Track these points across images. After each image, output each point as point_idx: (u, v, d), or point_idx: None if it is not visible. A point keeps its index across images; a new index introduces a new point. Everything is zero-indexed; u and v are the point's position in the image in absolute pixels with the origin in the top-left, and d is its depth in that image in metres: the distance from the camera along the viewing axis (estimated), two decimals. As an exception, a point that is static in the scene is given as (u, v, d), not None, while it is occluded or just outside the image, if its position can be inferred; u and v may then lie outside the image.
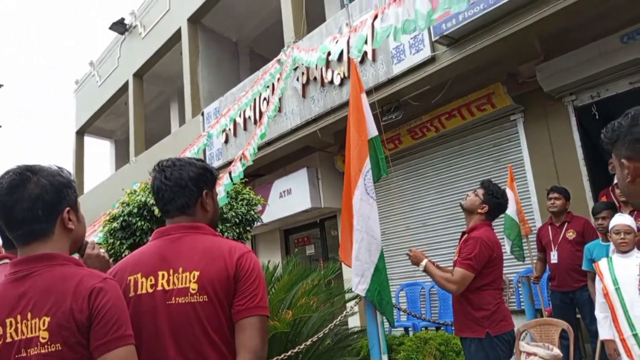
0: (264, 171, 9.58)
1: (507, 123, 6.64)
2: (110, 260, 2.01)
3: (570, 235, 4.95)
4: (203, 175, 1.79)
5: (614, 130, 1.30)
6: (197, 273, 1.61)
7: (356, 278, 3.87)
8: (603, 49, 5.44)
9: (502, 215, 4.07)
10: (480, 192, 3.34)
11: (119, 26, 13.16)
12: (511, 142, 6.62)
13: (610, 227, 3.46)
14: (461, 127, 7.00)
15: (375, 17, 3.80)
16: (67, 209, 1.46)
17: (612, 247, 3.75)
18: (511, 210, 5.17)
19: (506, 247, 5.25)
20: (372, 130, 4.11)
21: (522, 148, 6.48)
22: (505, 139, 6.69)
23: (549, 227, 5.12)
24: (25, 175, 1.41)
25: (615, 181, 2.61)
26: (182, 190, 1.74)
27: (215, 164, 9.69)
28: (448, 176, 7.32)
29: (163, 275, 1.63)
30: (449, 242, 7.13)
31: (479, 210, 3.31)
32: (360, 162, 3.95)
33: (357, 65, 5.67)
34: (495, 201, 3.32)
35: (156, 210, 5.05)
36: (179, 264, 1.64)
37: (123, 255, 5.00)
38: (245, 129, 8.96)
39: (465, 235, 3.33)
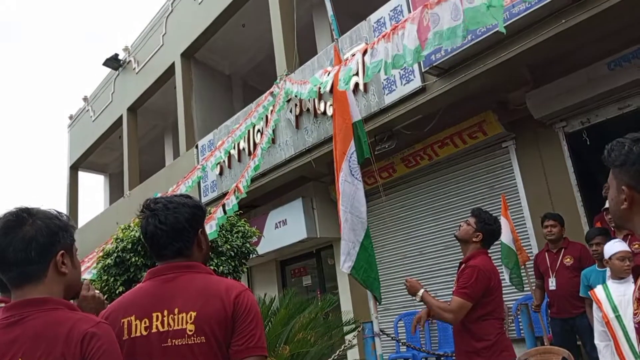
0: (259, 202, 9.56)
1: (499, 150, 6.70)
2: (105, 299, 1.98)
3: (568, 261, 4.93)
4: (197, 215, 1.77)
5: (621, 153, 1.26)
6: (194, 314, 1.59)
7: (342, 256, 3.96)
8: (591, 75, 5.54)
9: (498, 244, 4.07)
10: (472, 220, 3.34)
11: (113, 62, 13.29)
12: (504, 169, 6.66)
13: (611, 254, 3.44)
14: (454, 155, 7.04)
15: (365, 51, 3.85)
16: (61, 252, 1.45)
17: (608, 273, 3.74)
18: (507, 238, 5.16)
19: (505, 276, 5.23)
20: (356, 115, 4.27)
21: (516, 174, 6.52)
22: (498, 166, 6.73)
23: (546, 254, 5.11)
24: (21, 216, 1.41)
25: (607, 205, 2.60)
26: (179, 234, 1.69)
27: (210, 196, 9.68)
28: (443, 204, 7.33)
29: (157, 316, 1.61)
30: (445, 270, 7.09)
31: (474, 239, 3.30)
32: (345, 145, 4.11)
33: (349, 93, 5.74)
34: (488, 228, 3.31)
35: (150, 246, 5.01)
36: (175, 304, 1.61)
37: (117, 291, 4.94)
38: (239, 160, 8.98)
39: (463, 265, 3.32)
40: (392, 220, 7.74)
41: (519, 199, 6.45)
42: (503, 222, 5.07)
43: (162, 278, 1.69)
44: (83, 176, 16.84)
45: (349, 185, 4.03)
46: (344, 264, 3.99)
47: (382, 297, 4.02)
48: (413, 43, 3.28)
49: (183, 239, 1.70)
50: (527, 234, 6.34)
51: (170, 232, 1.68)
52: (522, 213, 6.41)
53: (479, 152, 6.89)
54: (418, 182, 7.66)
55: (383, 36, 3.54)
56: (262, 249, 8.68)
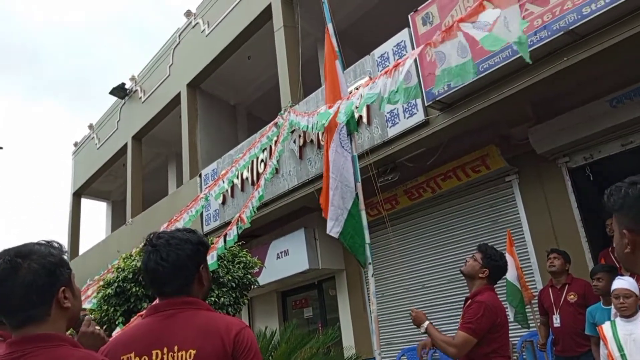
0: (261, 232, 9.53)
1: (502, 184, 6.70)
2: (105, 329, 1.96)
3: (572, 298, 4.87)
4: (199, 251, 1.77)
5: (619, 197, 1.27)
6: (193, 352, 1.57)
7: (331, 222, 4.30)
8: (593, 112, 5.58)
9: (503, 282, 4.03)
10: (479, 256, 3.32)
11: (120, 91, 13.47)
12: (507, 203, 6.65)
13: (611, 291, 3.42)
14: (457, 188, 7.05)
15: (367, 85, 3.93)
16: (62, 288, 1.44)
17: (613, 310, 3.69)
18: (512, 276, 5.11)
19: (510, 314, 5.16)
20: (345, 92, 4.65)
21: (519, 209, 6.50)
22: (501, 200, 6.72)
23: (550, 290, 5.06)
24: (15, 262, 1.38)
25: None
26: (181, 271, 1.70)
27: (212, 225, 9.66)
28: (446, 237, 7.29)
29: (157, 354, 1.59)
30: (449, 304, 7.00)
31: (480, 275, 3.28)
32: (334, 123, 4.50)
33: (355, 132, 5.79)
34: (494, 264, 3.30)
35: (151, 276, 4.98)
36: (175, 342, 1.60)
37: (117, 322, 4.88)
38: (242, 190, 9.00)
39: (469, 300, 3.29)
40: (395, 253, 7.69)
41: (523, 234, 6.42)
42: (508, 258, 5.03)
43: (162, 314, 1.68)
44: (85, 203, 16.88)
45: (339, 155, 4.36)
46: (332, 229, 4.30)
47: (385, 330, 4.00)
48: (407, 80, 3.33)
49: (184, 276, 1.70)
50: (531, 270, 6.29)
51: (171, 269, 1.68)
52: (526, 248, 6.37)
53: (482, 186, 6.89)
54: (421, 214, 7.65)
55: (385, 72, 3.60)
56: (263, 279, 8.61)
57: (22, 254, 1.40)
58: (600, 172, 5.93)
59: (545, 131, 5.96)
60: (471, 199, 7.04)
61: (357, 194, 4.40)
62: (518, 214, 6.52)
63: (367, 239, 4.17)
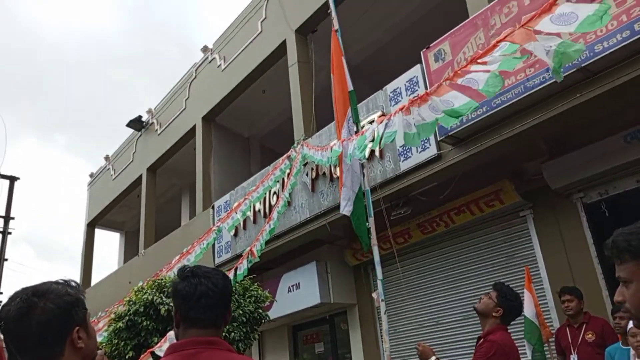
0: (272, 264, 9.49)
1: (516, 219, 6.63)
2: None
3: (590, 337, 4.75)
4: (231, 288, 1.82)
5: None
6: None
7: (344, 202, 5.00)
8: (607, 148, 5.55)
9: (521, 319, 3.96)
10: (494, 294, 3.28)
11: (136, 123, 13.72)
12: (522, 238, 6.57)
13: (627, 330, 3.34)
14: (471, 223, 6.99)
15: (381, 121, 3.98)
16: (77, 328, 1.45)
17: (632, 351, 3.59)
18: (530, 313, 5.01)
19: (527, 352, 5.04)
20: (350, 86, 5.52)
21: (534, 245, 6.41)
22: (516, 235, 6.64)
23: (567, 329, 4.94)
24: (31, 301, 1.39)
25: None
26: (223, 300, 1.72)
27: (224, 257, 9.64)
28: (460, 272, 7.19)
29: None
30: (462, 342, 6.85)
31: (494, 314, 3.24)
32: (345, 108, 5.33)
33: (365, 162, 5.83)
34: (509, 304, 3.25)
35: (162, 310, 4.96)
36: None
37: (127, 356, 4.85)
38: (254, 222, 9.01)
39: (482, 339, 3.23)
40: (407, 288, 7.59)
41: (538, 270, 6.31)
42: (526, 295, 4.95)
43: (183, 353, 1.67)
44: (99, 233, 16.99)
45: (348, 142, 4.97)
46: (345, 208, 4.98)
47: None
48: (430, 116, 3.38)
49: (224, 307, 1.73)
50: (548, 307, 6.15)
51: (218, 297, 1.70)
52: (542, 285, 6.25)
53: (496, 221, 6.83)
54: (434, 249, 7.57)
55: (401, 109, 3.65)
56: (274, 313, 8.53)
57: (39, 292, 1.42)
58: (616, 208, 5.85)
59: (559, 166, 5.92)
60: (485, 233, 6.96)
61: (363, 176, 5.09)
62: (533, 249, 6.43)
63: (380, 275, 4.14)
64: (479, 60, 3.14)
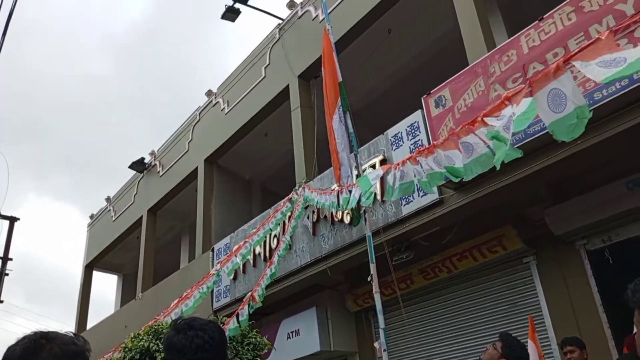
0: (271, 309, 9.30)
1: (520, 266, 6.55)
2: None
3: (598, 389, 4.59)
4: (226, 342, 1.83)
5: None
6: None
7: (345, 177, 5.77)
8: (609, 194, 5.54)
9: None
10: (499, 345, 3.22)
11: (139, 165, 13.79)
12: (526, 285, 6.47)
13: None
14: (474, 269, 6.90)
15: (386, 169, 4.01)
16: None
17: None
18: (534, 363, 4.86)
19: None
20: (339, 77, 6.22)
21: (538, 292, 6.31)
22: (519, 282, 6.54)
23: (574, 380, 4.77)
24: (39, 342, 1.41)
25: None
26: (220, 355, 1.73)
27: (222, 301, 9.49)
28: (464, 320, 7.04)
29: None
30: (467, 393, 6.64)
31: (499, 365, 3.15)
32: (336, 98, 6.06)
33: (370, 208, 5.81)
34: (514, 355, 3.18)
35: (159, 357, 4.83)
36: None
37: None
38: (254, 266, 8.90)
39: (486, 392, 3.13)
40: (410, 335, 7.42)
41: (543, 319, 6.18)
42: (530, 345, 4.81)
43: None
44: (96, 275, 16.78)
45: (341, 125, 5.89)
46: (349, 179, 5.70)
47: None
48: (436, 168, 3.41)
49: (222, 359, 1.75)
50: (553, 357, 5.99)
51: (215, 351, 1.70)
52: (547, 334, 6.11)
53: (499, 267, 6.74)
54: (437, 295, 7.44)
55: (409, 158, 3.67)
56: (272, 361, 8.31)
57: (48, 337, 1.45)
58: (619, 255, 5.78)
59: (562, 212, 5.90)
60: (489, 280, 6.86)
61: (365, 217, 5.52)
62: (537, 297, 6.32)
63: (382, 324, 4.04)
64: (485, 119, 3.19)
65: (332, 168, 7.94)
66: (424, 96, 6.37)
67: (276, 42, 10.19)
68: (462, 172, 3.62)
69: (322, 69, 6.70)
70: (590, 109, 4.52)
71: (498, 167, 3.43)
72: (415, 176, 3.68)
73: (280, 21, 10.20)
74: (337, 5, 8.67)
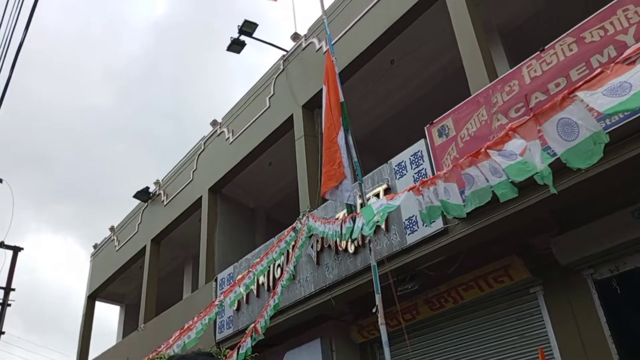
0: (274, 341, 9.15)
1: (526, 296, 6.45)
2: None
3: None
4: None
5: None
6: None
7: (347, 192, 5.96)
8: (616, 223, 5.49)
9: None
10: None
11: (143, 194, 13.83)
12: (533, 316, 6.36)
13: None
14: (480, 299, 6.80)
15: (391, 198, 4.01)
16: None
17: None
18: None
19: None
20: (341, 98, 6.52)
21: (545, 322, 6.19)
22: (527, 313, 6.43)
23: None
24: None
25: None
26: None
27: (225, 333, 9.36)
28: (471, 351, 6.90)
29: None
30: None
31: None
32: (339, 115, 6.35)
33: (371, 236, 5.78)
34: None
35: (160, 389, 4.74)
36: None
37: None
38: (258, 296, 8.81)
39: None
40: (416, 367, 7.27)
41: (551, 350, 6.05)
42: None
43: None
44: (98, 305, 16.64)
45: (343, 142, 6.17)
46: (349, 198, 5.96)
47: None
48: (456, 199, 3.43)
49: None
50: (564, 389, 5.85)
51: None
52: (556, 365, 5.97)
53: (505, 297, 6.64)
54: (444, 325, 7.31)
55: (411, 188, 3.68)
56: (276, 394, 8.15)
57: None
58: (627, 285, 5.70)
59: (568, 241, 5.84)
60: (495, 310, 6.75)
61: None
62: (545, 328, 6.20)
63: (388, 357, 3.97)
64: (489, 151, 3.21)
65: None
66: (427, 125, 6.41)
67: (280, 72, 10.34)
68: (456, 208, 3.64)
69: (325, 85, 6.91)
70: (610, 129, 4.53)
71: (501, 200, 3.44)
72: (417, 207, 3.69)
73: (285, 53, 10.36)
74: (341, 37, 8.82)
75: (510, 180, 3.60)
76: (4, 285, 17.93)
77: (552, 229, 6.05)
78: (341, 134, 6.25)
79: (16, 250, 18.51)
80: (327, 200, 8.12)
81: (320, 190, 8.68)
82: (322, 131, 6.88)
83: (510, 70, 5.75)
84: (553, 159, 3.18)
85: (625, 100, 2.74)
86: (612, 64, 2.65)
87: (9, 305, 17.80)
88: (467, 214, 5.68)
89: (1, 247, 18.23)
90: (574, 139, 3.11)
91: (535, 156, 3.15)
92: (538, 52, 5.38)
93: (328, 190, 6.25)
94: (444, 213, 3.90)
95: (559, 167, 4.89)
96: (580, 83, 2.83)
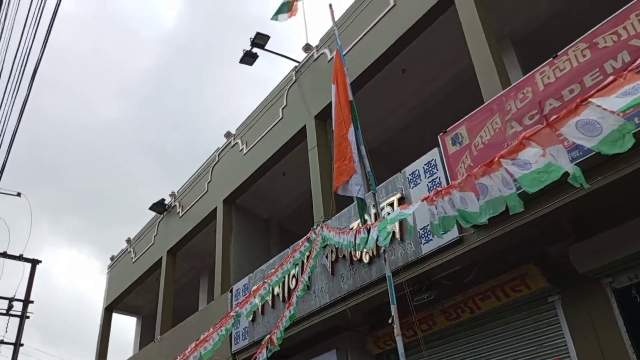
0: (290, 352, 9.12)
1: (544, 305, 6.35)
2: None
3: None
4: None
5: None
6: None
7: (357, 186, 6.22)
8: (634, 230, 5.40)
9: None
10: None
11: (159, 206, 13.94)
12: (551, 325, 6.25)
13: None
14: (497, 309, 6.71)
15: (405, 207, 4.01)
16: None
17: None
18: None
19: None
20: (350, 96, 6.84)
21: (564, 332, 6.09)
22: (545, 322, 6.33)
23: None
24: None
25: None
26: None
27: (241, 344, 9.36)
28: (488, 363, 6.81)
29: None
30: None
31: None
32: (348, 113, 6.62)
33: (386, 246, 5.76)
34: None
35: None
36: None
37: None
38: (273, 307, 8.81)
39: None
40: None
41: (571, 360, 5.95)
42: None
43: None
44: (115, 316, 16.75)
45: (354, 139, 6.45)
46: (359, 191, 6.26)
47: None
48: (474, 207, 3.42)
49: None
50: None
51: None
52: (576, 376, 5.86)
53: (523, 307, 6.54)
54: (460, 336, 7.22)
55: (425, 198, 3.68)
56: (291, 406, 8.11)
57: None
58: (649, 293, 5.59)
59: (586, 249, 5.75)
60: (513, 320, 6.65)
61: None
62: (564, 337, 6.10)
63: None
64: (502, 160, 3.20)
65: (350, 206, 7.94)
66: (441, 134, 6.39)
67: (293, 84, 10.40)
68: (475, 216, 3.61)
69: (333, 84, 7.18)
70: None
71: (511, 213, 3.42)
72: (429, 218, 3.68)
73: (297, 64, 10.43)
74: (352, 47, 8.86)
75: (518, 193, 3.57)
76: (21, 297, 18.14)
77: (569, 237, 5.96)
78: (351, 130, 6.48)
79: (34, 263, 18.75)
80: (340, 210, 8.14)
81: (333, 202, 8.73)
82: (335, 121, 7.08)
83: (524, 77, 5.71)
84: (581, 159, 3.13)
85: (638, 97, 2.71)
86: (626, 72, 2.63)
87: (28, 317, 18.00)
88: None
89: (20, 260, 18.48)
90: (599, 133, 3.05)
91: (560, 159, 3.12)
92: (551, 59, 5.35)
93: (340, 185, 6.47)
94: (461, 222, 3.89)
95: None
96: (594, 91, 2.80)
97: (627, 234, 5.47)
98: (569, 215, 5.53)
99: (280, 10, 10.00)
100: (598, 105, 2.71)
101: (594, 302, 5.90)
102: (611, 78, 2.69)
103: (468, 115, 6.09)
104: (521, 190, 3.94)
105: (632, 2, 4.83)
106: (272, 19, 10.08)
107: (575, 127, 2.97)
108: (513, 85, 5.77)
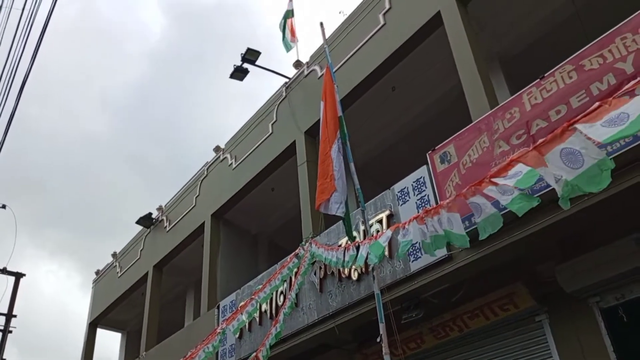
0: (277, 370, 9.04)
1: (532, 324, 6.36)
2: None
3: None
4: None
5: None
6: None
7: (336, 204, 6.14)
8: (620, 251, 5.44)
9: None
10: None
11: (146, 220, 13.81)
12: (539, 345, 6.25)
13: None
14: (486, 328, 6.70)
15: (395, 228, 4.02)
16: None
17: None
18: None
19: None
20: (339, 112, 6.79)
21: (552, 351, 6.09)
22: (533, 342, 6.33)
23: None
24: None
25: None
26: None
27: (228, 361, 9.23)
28: (476, 382, 6.78)
29: None
30: None
31: None
32: (335, 130, 6.55)
33: (375, 265, 5.74)
34: None
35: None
36: None
37: None
38: (260, 324, 8.73)
39: None
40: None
41: (558, 379, 5.94)
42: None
43: None
44: (99, 332, 16.47)
45: (339, 156, 6.40)
46: (338, 209, 6.15)
47: None
48: (458, 229, 3.44)
49: None
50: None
51: None
52: (564, 397, 5.86)
53: (511, 326, 6.54)
54: (449, 355, 7.18)
55: (415, 217, 3.69)
56: None
57: None
58: (634, 312, 5.62)
59: (573, 269, 5.79)
60: (501, 339, 6.63)
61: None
62: (551, 356, 6.09)
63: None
64: (492, 180, 3.23)
65: (339, 222, 7.92)
66: (429, 152, 6.43)
67: (283, 99, 10.44)
68: (460, 239, 3.65)
69: (322, 101, 7.11)
70: (610, 157, 4.56)
71: (520, 214, 3.44)
72: (420, 237, 3.69)
73: (287, 80, 10.48)
74: (343, 65, 8.93)
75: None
76: (3, 311, 17.79)
77: (557, 257, 6.00)
78: (334, 146, 6.45)
79: (18, 276, 18.43)
80: (330, 226, 8.12)
81: (322, 218, 8.71)
82: (321, 137, 7.03)
83: (511, 98, 5.78)
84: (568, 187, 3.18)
85: (624, 129, 2.76)
86: (611, 99, 2.67)
87: (10, 332, 17.63)
88: (471, 240, 5.71)
89: (3, 274, 18.17)
90: (580, 166, 3.11)
91: (549, 178, 3.17)
92: (538, 80, 5.42)
93: (322, 203, 6.37)
94: (452, 243, 3.91)
95: (557, 197, 4.92)
96: (580, 116, 2.85)
97: (612, 255, 5.51)
98: (555, 235, 5.57)
99: (283, 32, 10.31)
100: (583, 133, 2.76)
101: (582, 321, 5.92)
102: (597, 104, 2.73)
103: (456, 134, 6.14)
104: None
105: (617, 26, 4.93)
106: (287, 49, 10.46)
107: (559, 155, 3.02)
108: (501, 105, 5.84)
